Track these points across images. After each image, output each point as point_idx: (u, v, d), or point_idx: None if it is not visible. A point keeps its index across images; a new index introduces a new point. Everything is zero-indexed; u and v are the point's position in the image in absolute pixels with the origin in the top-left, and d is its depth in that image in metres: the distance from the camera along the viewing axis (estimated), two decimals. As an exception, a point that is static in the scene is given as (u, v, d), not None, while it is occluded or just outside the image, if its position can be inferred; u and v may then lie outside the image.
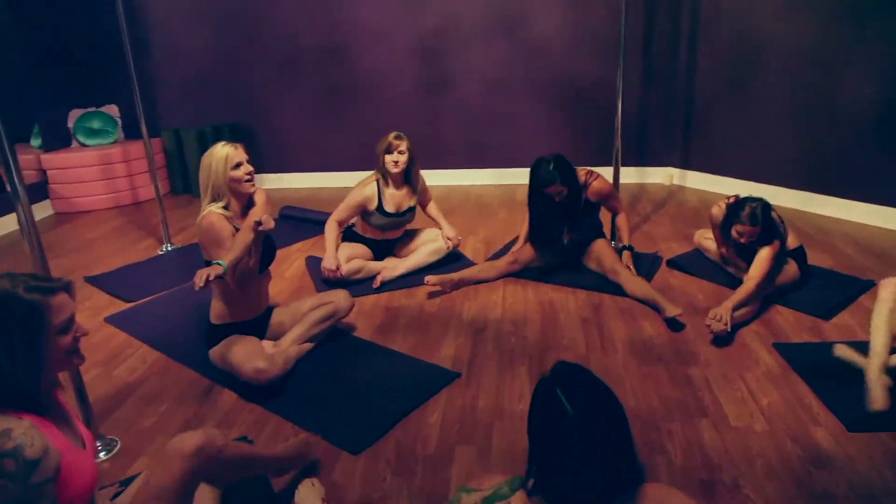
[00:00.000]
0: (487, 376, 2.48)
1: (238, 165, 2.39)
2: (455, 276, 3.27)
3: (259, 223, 2.32)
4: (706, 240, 3.44)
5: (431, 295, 3.19)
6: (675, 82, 4.92)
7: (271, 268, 2.68)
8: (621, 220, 3.42)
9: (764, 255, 2.80)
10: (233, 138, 5.32)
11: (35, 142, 5.14)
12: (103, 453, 2.12)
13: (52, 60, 5.09)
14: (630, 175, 5.17)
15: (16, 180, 1.83)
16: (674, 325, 2.79)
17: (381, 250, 3.55)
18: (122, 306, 3.27)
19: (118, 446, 2.16)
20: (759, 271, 2.78)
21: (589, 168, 3.27)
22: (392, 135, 3.33)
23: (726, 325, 2.57)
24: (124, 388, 2.52)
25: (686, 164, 5.01)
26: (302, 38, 5.19)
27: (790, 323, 2.79)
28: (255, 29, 5.22)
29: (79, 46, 5.26)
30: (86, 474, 1.27)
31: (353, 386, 2.45)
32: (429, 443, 2.10)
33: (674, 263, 3.43)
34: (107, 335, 2.98)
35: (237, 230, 2.40)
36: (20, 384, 1.20)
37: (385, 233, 3.50)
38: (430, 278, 3.18)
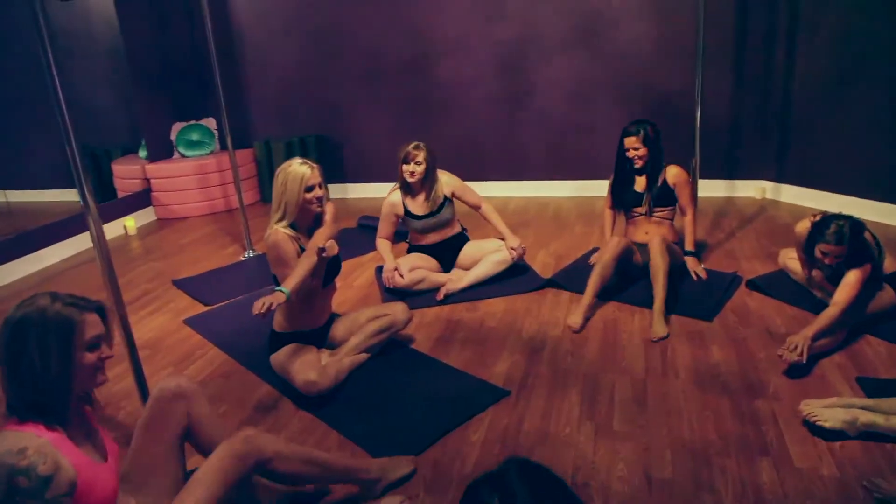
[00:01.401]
0: (537, 397, 2.42)
1: (311, 188, 2.46)
2: (586, 300, 3.00)
3: (322, 250, 2.38)
4: (791, 260, 3.19)
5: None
6: (770, 88, 4.60)
7: (341, 276, 2.73)
8: (689, 221, 3.32)
9: (851, 279, 2.55)
10: (318, 149, 5.56)
11: (142, 152, 5.57)
12: (163, 450, 2.25)
13: (158, 78, 5.52)
14: (719, 188, 4.89)
15: (87, 197, 1.99)
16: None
17: (446, 260, 3.56)
18: (201, 309, 3.47)
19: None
20: (846, 296, 2.53)
21: None
22: (411, 144, 3.35)
23: (802, 355, 2.37)
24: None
25: (780, 177, 4.67)
26: (385, 51, 5.32)
27: (881, 356, 2.53)
28: (340, 43, 5.40)
29: (182, 65, 5.66)
30: (105, 487, 1.35)
31: (402, 399, 2.46)
32: (467, 462, 2.08)
33: (754, 284, 3.20)
34: (183, 336, 3.17)
35: (302, 250, 2.48)
36: (51, 392, 1.30)
37: (434, 233, 3.50)
38: (573, 323, 2.92)
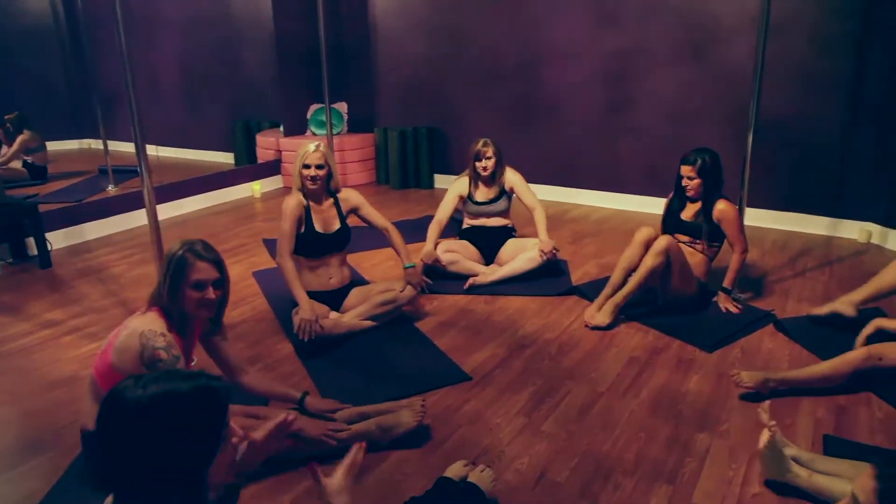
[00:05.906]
0: (493, 388, 2.56)
1: (307, 166, 2.85)
2: (606, 291, 3.13)
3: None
4: (841, 303, 2.94)
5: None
6: (890, 121, 4.12)
7: (395, 256, 3.19)
8: (735, 258, 3.18)
9: None
10: (429, 140, 5.97)
11: (283, 127, 6.35)
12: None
13: (301, 63, 6.26)
14: (819, 225, 4.48)
15: (144, 173, 2.51)
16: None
17: (488, 250, 3.76)
18: (272, 265, 4.00)
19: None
20: None
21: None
22: (480, 142, 3.70)
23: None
24: (226, 326, 3.16)
25: (890, 221, 4.16)
26: (500, 54, 5.54)
27: (873, 420, 2.31)
28: (462, 44, 5.72)
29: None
30: None
31: (377, 364, 2.75)
32: (395, 426, 2.30)
33: (780, 325, 3.00)
34: (246, 285, 3.71)
35: (308, 214, 2.91)
36: (173, 304, 1.86)
37: (485, 217, 3.79)
38: (597, 321, 3.06)
